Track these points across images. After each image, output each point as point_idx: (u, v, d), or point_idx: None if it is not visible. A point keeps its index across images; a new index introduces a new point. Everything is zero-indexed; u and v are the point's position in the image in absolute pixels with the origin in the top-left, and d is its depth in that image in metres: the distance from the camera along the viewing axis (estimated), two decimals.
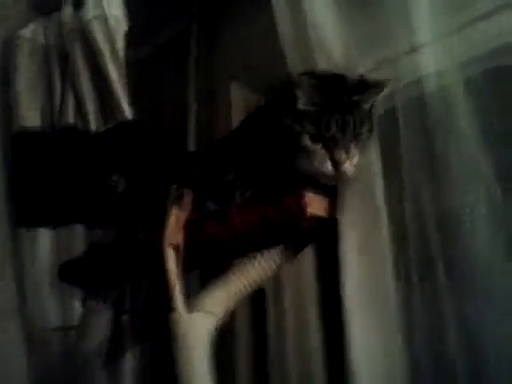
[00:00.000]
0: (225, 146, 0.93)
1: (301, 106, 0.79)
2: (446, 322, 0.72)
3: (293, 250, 0.84)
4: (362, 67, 0.92)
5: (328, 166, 0.77)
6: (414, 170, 0.81)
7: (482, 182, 0.74)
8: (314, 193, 0.76)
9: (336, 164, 0.76)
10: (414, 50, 0.86)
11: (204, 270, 0.95)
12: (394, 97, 0.86)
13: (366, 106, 0.79)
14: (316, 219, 0.75)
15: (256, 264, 0.82)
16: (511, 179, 0.74)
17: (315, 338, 1.10)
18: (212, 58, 1.50)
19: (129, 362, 1.32)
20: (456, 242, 0.72)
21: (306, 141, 0.78)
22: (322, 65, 0.88)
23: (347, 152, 0.77)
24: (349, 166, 0.77)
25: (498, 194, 0.73)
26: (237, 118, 1.35)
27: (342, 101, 0.78)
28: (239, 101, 1.37)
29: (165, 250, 0.82)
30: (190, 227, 0.82)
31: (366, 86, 0.79)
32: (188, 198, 0.81)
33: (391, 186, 0.81)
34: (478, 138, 0.76)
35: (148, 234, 0.95)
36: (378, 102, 0.86)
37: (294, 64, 0.93)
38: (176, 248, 0.81)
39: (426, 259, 0.74)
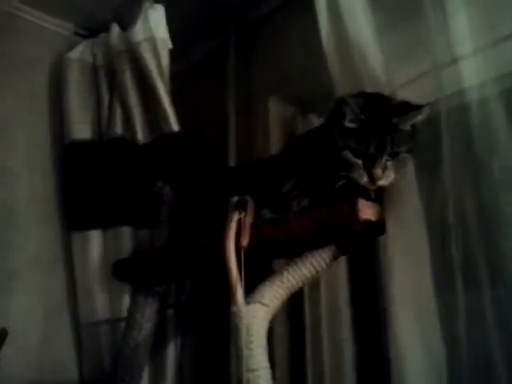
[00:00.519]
0: (281, 159, 1.06)
1: (347, 123, 0.90)
2: (489, 326, 0.79)
3: (341, 250, 0.96)
4: (404, 78, 1.04)
5: (365, 180, 0.88)
6: (456, 176, 0.89)
7: None
8: (366, 199, 0.88)
9: (373, 179, 0.88)
10: (454, 61, 0.94)
11: (262, 268, 1.07)
12: (436, 106, 0.93)
13: (406, 128, 0.89)
14: (367, 223, 0.87)
15: (307, 263, 0.95)
16: None
17: (347, 334, 1.23)
18: (250, 72, 1.60)
19: (171, 353, 1.45)
20: (498, 247, 0.80)
21: (348, 155, 0.90)
22: (365, 78, 0.98)
23: (383, 169, 0.88)
24: (384, 182, 0.88)
25: None
26: (274, 131, 1.47)
27: (382, 121, 0.88)
28: (277, 115, 1.49)
29: (228, 250, 0.94)
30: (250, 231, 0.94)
31: (406, 109, 0.89)
32: (251, 205, 0.93)
33: (435, 191, 0.91)
34: None
35: (208, 237, 1.07)
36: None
37: (338, 80, 1.04)
38: (238, 249, 0.93)
39: (468, 263, 0.83)
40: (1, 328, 1.19)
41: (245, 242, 0.91)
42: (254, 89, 1.58)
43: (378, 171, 0.87)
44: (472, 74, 0.93)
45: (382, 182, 0.89)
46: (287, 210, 0.93)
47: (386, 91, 0.95)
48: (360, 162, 0.89)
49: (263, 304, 0.94)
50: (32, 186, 1.54)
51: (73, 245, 1.51)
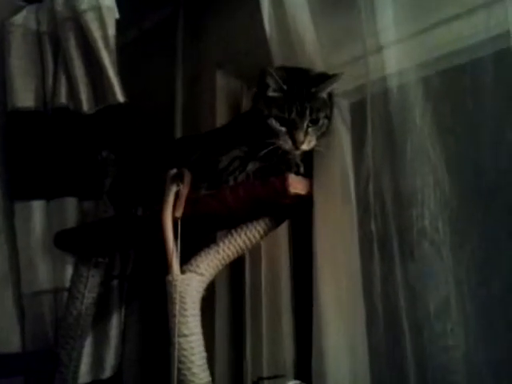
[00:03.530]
0: (219, 135, 1.08)
1: (270, 93, 0.96)
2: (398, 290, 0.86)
3: (274, 222, 1.00)
4: (335, 62, 1.07)
5: (289, 145, 0.94)
6: (376, 157, 0.94)
7: (431, 171, 0.89)
8: (296, 175, 0.92)
9: (296, 143, 0.93)
10: (379, 49, 0.99)
11: (198, 239, 1.09)
12: (364, 90, 0.99)
13: (323, 96, 0.96)
14: (296, 197, 0.91)
15: (242, 234, 0.98)
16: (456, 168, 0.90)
17: (286, 300, 1.28)
18: (198, 46, 1.61)
19: (115, 323, 1.47)
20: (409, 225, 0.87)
21: (273, 123, 0.95)
22: (300, 58, 1.02)
23: (305, 134, 0.94)
24: (306, 146, 0.95)
25: (444, 183, 0.89)
26: (220, 104, 1.48)
27: (302, 91, 0.94)
28: (223, 88, 1.49)
29: (165, 221, 0.96)
30: (187, 203, 0.96)
31: (322, 79, 0.96)
32: (188, 177, 0.95)
33: (359, 168, 0.95)
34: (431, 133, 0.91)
35: (146, 209, 1.09)
36: (349, 93, 1.05)
37: (277, 56, 1.07)
38: (175, 220, 0.95)
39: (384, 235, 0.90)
40: None
41: (179, 213, 0.93)
42: (202, 62, 1.59)
43: (300, 135, 0.94)
44: (394, 61, 0.98)
45: (304, 147, 0.95)
46: (224, 184, 0.96)
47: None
48: (284, 128, 0.94)
49: (198, 273, 0.97)
50: None
51: (15, 215, 1.49)
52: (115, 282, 1.49)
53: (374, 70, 0.99)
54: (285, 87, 0.95)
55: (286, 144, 0.94)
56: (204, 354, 0.94)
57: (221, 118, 1.45)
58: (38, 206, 1.47)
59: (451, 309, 0.83)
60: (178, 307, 0.92)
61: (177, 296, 0.93)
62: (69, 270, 1.43)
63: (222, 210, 0.96)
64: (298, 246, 1.27)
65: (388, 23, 0.99)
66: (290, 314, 1.28)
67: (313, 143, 0.96)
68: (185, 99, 1.58)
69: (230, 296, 1.36)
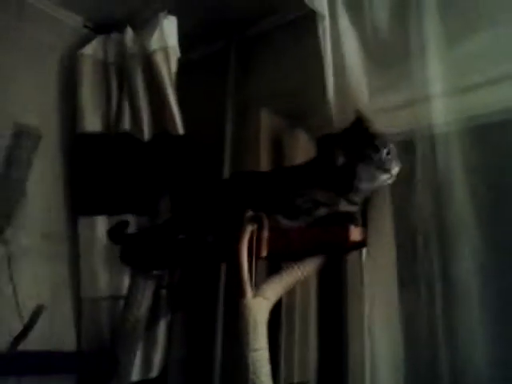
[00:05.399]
0: (291, 175, 1.27)
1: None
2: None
3: (328, 259, 1.21)
4: (385, 107, 1.25)
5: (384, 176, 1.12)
6: (422, 198, 1.14)
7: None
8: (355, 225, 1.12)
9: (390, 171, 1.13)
10: (428, 98, 1.16)
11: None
12: (413, 134, 1.19)
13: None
14: (352, 243, 1.12)
15: (302, 267, 1.18)
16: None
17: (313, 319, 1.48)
18: (246, 83, 1.77)
19: (162, 328, 1.66)
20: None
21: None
22: (351, 102, 1.21)
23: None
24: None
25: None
26: (264, 140, 1.65)
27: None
28: (267, 125, 1.65)
29: (241, 255, 1.15)
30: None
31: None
32: (266, 221, 1.15)
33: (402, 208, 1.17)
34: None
35: (216, 237, 1.29)
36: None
37: (332, 99, 1.26)
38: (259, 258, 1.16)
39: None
40: (39, 304, 1.34)
41: (264, 252, 1.13)
42: (249, 99, 1.74)
43: (391, 162, 1.12)
44: (441, 112, 1.15)
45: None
46: (297, 219, 1.17)
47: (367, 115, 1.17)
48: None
49: (265, 298, 1.17)
50: (41, 171, 1.67)
51: (79, 228, 1.67)
52: (164, 292, 1.68)
53: (421, 118, 1.17)
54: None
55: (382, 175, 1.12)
56: (269, 366, 1.14)
57: (264, 154, 1.62)
58: (100, 221, 1.65)
59: None
60: (251, 326, 1.12)
61: (250, 317, 1.13)
62: (126, 280, 1.62)
63: (287, 249, 1.17)
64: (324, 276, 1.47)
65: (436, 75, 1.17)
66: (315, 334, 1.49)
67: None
68: (232, 133, 1.75)
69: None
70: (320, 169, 1.19)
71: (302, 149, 1.52)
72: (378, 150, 1.13)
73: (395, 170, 1.13)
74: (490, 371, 1.02)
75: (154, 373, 1.62)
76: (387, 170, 1.12)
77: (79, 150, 1.69)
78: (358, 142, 1.16)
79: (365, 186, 1.14)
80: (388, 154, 1.13)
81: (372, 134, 1.16)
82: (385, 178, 1.14)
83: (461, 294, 1.06)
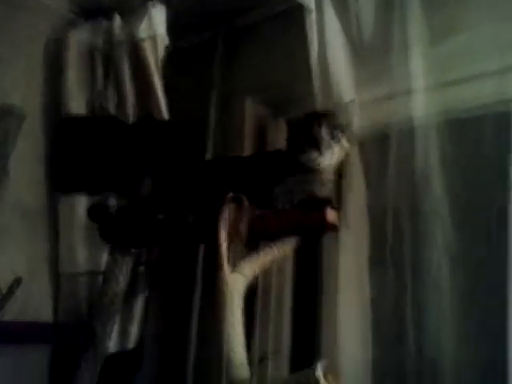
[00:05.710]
0: (268, 162, 1.34)
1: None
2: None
3: (304, 240, 1.28)
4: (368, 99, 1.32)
5: (318, 160, 1.19)
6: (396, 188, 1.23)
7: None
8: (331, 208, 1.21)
9: (320, 149, 1.18)
10: (409, 92, 1.24)
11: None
12: (393, 126, 1.27)
13: (339, 119, 1.22)
14: (329, 225, 1.20)
15: (279, 247, 1.26)
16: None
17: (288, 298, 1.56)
18: (232, 72, 1.82)
19: (139, 304, 1.71)
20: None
21: (302, 140, 1.21)
22: (334, 94, 1.29)
23: (327, 145, 1.18)
24: (329, 156, 1.19)
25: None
26: (248, 129, 1.72)
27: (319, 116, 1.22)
28: (251, 115, 1.73)
29: (220, 234, 1.21)
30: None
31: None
32: (247, 204, 1.22)
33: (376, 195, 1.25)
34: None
35: (197, 217, 1.35)
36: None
37: (318, 93, 1.34)
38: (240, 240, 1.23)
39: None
40: (17, 277, 1.37)
41: (243, 233, 1.20)
42: (234, 88, 1.80)
43: (322, 143, 1.18)
44: (421, 105, 1.24)
45: (328, 156, 1.19)
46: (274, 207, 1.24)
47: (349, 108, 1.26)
48: (314, 149, 1.20)
49: (243, 274, 1.24)
50: (24, 150, 1.68)
51: (59, 205, 1.70)
52: (142, 269, 1.72)
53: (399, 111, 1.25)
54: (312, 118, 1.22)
55: (316, 160, 1.19)
56: (243, 337, 1.20)
57: (248, 143, 1.70)
58: (81, 199, 1.69)
59: None
60: (228, 300, 1.18)
61: (227, 291, 1.19)
62: (104, 256, 1.67)
63: (266, 231, 1.24)
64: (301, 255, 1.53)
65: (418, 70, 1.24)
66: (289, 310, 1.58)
67: (335, 156, 1.21)
68: (217, 121, 1.80)
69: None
70: (290, 155, 1.26)
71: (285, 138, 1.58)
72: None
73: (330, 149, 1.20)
74: (456, 353, 1.11)
75: (130, 345, 1.68)
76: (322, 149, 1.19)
77: (63, 132, 1.72)
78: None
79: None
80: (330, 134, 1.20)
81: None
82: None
83: (430, 280, 1.15)
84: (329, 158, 1.21)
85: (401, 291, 1.17)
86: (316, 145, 1.19)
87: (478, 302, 1.13)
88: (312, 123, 1.21)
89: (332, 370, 1.05)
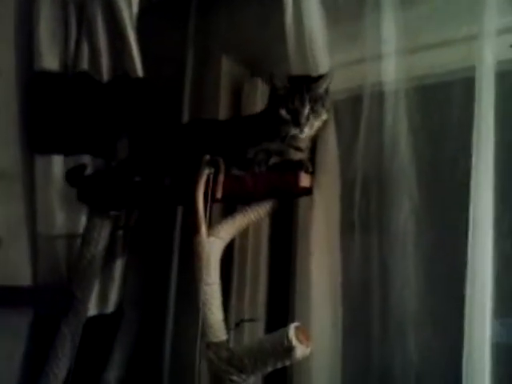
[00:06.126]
0: (244, 126, 1.34)
1: (278, 91, 1.23)
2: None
3: (279, 203, 1.29)
4: (337, 62, 1.30)
5: (294, 130, 1.20)
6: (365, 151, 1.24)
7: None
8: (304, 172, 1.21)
9: (299, 126, 1.19)
10: (379, 57, 1.25)
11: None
12: (361, 89, 1.27)
13: (320, 90, 1.21)
14: (302, 188, 1.20)
15: (255, 210, 1.26)
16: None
17: (264, 263, 1.58)
18: (208, 30, 1.78)
19: (118, 267, 1.72)
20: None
21: (282, 112, 1.20)
22: (309, 57, 1.27)
23: (307, 119, 1.19)
24: (308, 130, 1.20)
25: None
26: (224, 87, 1.69)
27: (302, 87, 1.20)
28: (227, 72, 1.69)
29: (198, 196, 1.21)
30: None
31: (318, 78, 1.22)
32: (223, 165, 1.21)
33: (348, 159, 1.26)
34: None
35: (173, 180, 1.34)
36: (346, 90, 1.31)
37: (292, 55, 1.31)
38: (215, 200, 1.23)
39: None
40: None
41: (219, 195, 1.20)
42: (210, 45, 1.77)
43: (302, 119, 1.19)
44: (390, 70, 1.24)
45: (306, 130, 1.20)
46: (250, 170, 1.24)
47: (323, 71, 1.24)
48: (290, 116, 1.20)
49: (219, 238, 1.25)
50: None
51: (35, 165, 1.67)
52: (120, 232, 1.73)
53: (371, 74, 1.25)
54: (288, 85, 1.21)
55: (292, 130, 1.20)
56: (221, 299, 1.23)
57: (223, 100, 1.67)
58: (57, 159, 1.66)
59: None
60: (205, 262, 1.20)
61: (204, 254, 1.21)
62: (83, 219, 1.66)
63: (242, 193, 1.24)
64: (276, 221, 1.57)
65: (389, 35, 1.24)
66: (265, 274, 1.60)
67: (314, 128, 1.21)
68: (192, 79, 1.77)
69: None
70: (268, 119, 1.25)
71: (261, 97, 1.57)
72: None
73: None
74: (420, 315, 1.15)
75: (110, 308, 1.69)
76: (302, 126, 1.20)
77: (37, 89, 1.66)
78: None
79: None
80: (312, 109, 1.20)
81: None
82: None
83: (397, 242, 1.18)
84: (308, 131, 1.21)
85: (368, 253, 1.20)
86: (297, 121, 1.19)
87: (440, 263, 1.17)
88: (294, 96, 1.19)
89: (304, 330, 1.08)
